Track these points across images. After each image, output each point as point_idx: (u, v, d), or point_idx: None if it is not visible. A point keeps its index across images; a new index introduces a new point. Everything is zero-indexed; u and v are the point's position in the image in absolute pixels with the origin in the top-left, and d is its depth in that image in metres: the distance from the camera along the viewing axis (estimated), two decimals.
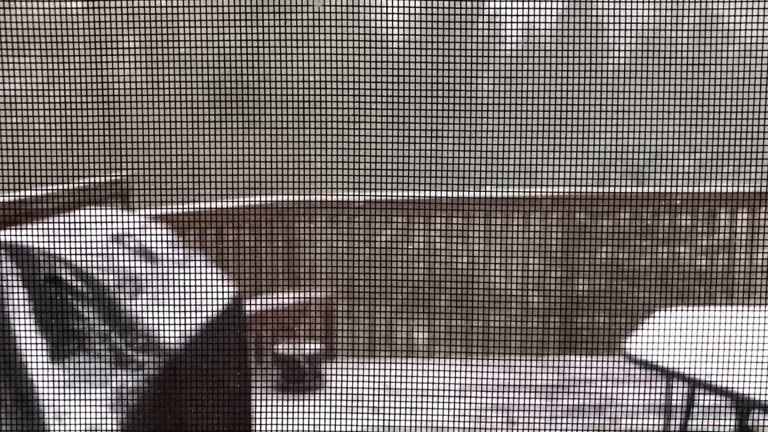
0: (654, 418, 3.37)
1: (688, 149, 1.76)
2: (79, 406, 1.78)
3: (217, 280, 2.34)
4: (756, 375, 2.06)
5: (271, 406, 1.99)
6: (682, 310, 2.66)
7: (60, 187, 2.33)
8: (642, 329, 2.81)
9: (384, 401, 2.12)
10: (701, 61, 1.63)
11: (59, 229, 1.90)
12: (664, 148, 1.76)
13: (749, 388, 2.23)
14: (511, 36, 1.98)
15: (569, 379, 3.93)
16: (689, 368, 2.34)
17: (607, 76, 1.72)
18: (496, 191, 4.05)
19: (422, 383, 2.23)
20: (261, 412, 2.03)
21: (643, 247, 4.21)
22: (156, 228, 2.40)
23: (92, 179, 2.70)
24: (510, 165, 1.89)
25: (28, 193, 2.22)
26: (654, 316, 2.87)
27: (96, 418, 1.79)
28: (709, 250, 4.22)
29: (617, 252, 4.18)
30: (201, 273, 2.30)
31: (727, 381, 2.18)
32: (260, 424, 2.05)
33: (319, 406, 2.06)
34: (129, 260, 2.11)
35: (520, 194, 4.10)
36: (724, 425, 3.02)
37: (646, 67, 1.78)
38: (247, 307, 3.99)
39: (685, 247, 4.15)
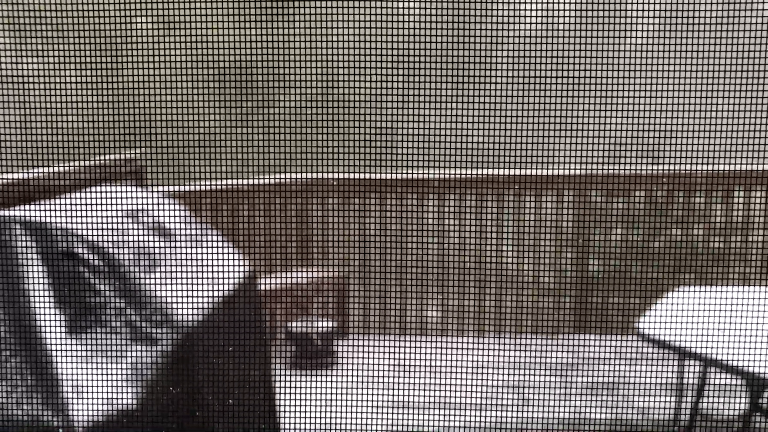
0: (666, 397, 3.38)
1: (704, 127, 1.75)
2: (97, 379, 1.80)
3: (231, 256, 2.35)
4: None
5: (286, 382, 2.00)
6: (695, 290, 2.65)
7: (76, 164, 2.35)
8: (655, 308, 2.80)
9: (397, 378, 2.14)
10: (719, 40, 1.62)
11: (76, 205, 1.92)
12: (679, 127, 1.75)
13: (762, 367, 2.23)
14: (523, 16, 1.97)
15: (582, 357, 3.94)
16: (702, 347, 2.34)
17: (623, 56, 1.71)
18: (510, 169, 4.05)
19: (435, 361, 2.25)
20: (277, 388, 2.04)
21: (658, 228, 4.20)
22: (171, 204, 2.42)
23: (107, 157, 2.72)
24: (524, 143, 1.89)
25: (44, 170, 2.24)
26: (667, 296, 2.87)
27: (113, 392, 1.81)
28: (724, 230, 4.20)
29: (631, 232, 4.17)
30: (216, 249, 2.32)
31: (741, 360, 2.18)
32: (278, 400, 2.06)
33: (333, 382, 2.07)
34: (144, 236, 2.13)
35: (533, 173, 4.10)
36: (737, 404, 3.03)
37: (662, 46, 1.77)
38: (261, 286, 4.01)
39: (699, 227, 4.13)
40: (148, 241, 2.13)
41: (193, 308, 2.00)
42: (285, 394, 2.04)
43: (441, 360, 2.29)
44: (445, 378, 2.19)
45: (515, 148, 1.86)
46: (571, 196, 4.20)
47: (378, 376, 2.06)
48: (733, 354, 2.13)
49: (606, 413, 3.24)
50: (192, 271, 1.97)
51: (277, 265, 4.33)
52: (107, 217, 2.03)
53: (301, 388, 2.05)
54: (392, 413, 2.07)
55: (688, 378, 3.19)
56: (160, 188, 3.26)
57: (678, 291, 2.83)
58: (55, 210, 1.94)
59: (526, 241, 4.32)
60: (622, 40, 1.68)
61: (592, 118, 1.74)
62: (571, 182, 4.12)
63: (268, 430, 2.34)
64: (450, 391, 2.24)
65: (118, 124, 1.85)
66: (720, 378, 3.19)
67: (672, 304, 2.77)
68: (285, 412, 2.02)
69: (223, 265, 2.20)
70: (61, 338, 1.83)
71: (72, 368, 1.78)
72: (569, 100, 1.74)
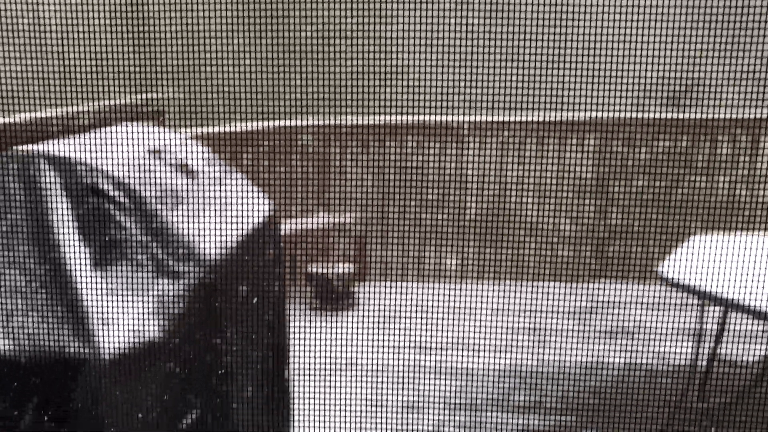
0: (685, 343, 3.39)
1: (730, 74, 1.72)
2: (122, 312, 1.83)
3: (254, 194, 2.37)
4: None
5: (306, 323, 2.02)
6: (718, 236, 2.63)
7: (97, 104, 2.35)
8: (677, 252, 2.79)
9: (416, 320, 2.15)
10: None
11: (99, 142, 1.93)
12: (704, 74, 1.72)
13: None
14: None
15: (601, 302, 3.94)
16: (723, 290, 2.33)
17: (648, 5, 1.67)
18: (533, 114, 4.01)
19: (454, 305, 2.26)
20: (296, 329, 2.07)
21: (681, 176, 4.16)
22: (193, 144, 2.43)
23: (127, 99, 2.72)
24: (546, 87, 1.86)
25: (66, 109, 2.25)
26: (689, 241, 2.85)
27: (138, 325, 1.84)
28: (748, 178, 4.16)
29: (654, 180, 4.13)
30: (238, 187, 2.33)
31: (762, 302, 2.17)
32: (296, 340, 2.09)
33: (352, 324, 2.10)
34: (167, 173, 2.14)
35: (556, 118, 4.05)
36: (756, 350, 3.03)
37: None
38: (282, 229, 4.03)
39: (723, 175, 4.09)
40: (172, 179, 2.14)
41: (215, 245, 2.01)
42: (303, 334, 2.06)
43: (458, 302, 2.30)
44: (462, 320, 2.21)
45: (536, 91, 1.83)
46: (594, 141, 4.16)
47: (396, 318, 2.07)
48: (755, 296, 2.12)
49: (624, 358, 3.25)
50: (215, 208, 1.98)
51: (297, 209, 4.34)
52: (130, 153, 2.03)
53: (320, 328, 2.08)
54: (410, 353, 2.10)
55: (708, 323, 3.19)
56: (182, 130, 3.26)
57: (700, 236, 2.81)
58: (79, 146, 1.95)
59: (546, 187, 4.30)
60: None
61: (614, 59, 1.71)
62: (594, 128, 4.08)
63: (279, 375, 2.37)
64: (467, 332, 2.26)
65: (141, 66, 1.84)
66: (739, 324, 3.19)
67: (694, 248, 2.76)
68: (301, 353, 2.05)
69: (246, 203, 2.21)
70: (86, 272, 1.85)
71: (98, 301, 1.81)
72: (591, 45, 1.71)
